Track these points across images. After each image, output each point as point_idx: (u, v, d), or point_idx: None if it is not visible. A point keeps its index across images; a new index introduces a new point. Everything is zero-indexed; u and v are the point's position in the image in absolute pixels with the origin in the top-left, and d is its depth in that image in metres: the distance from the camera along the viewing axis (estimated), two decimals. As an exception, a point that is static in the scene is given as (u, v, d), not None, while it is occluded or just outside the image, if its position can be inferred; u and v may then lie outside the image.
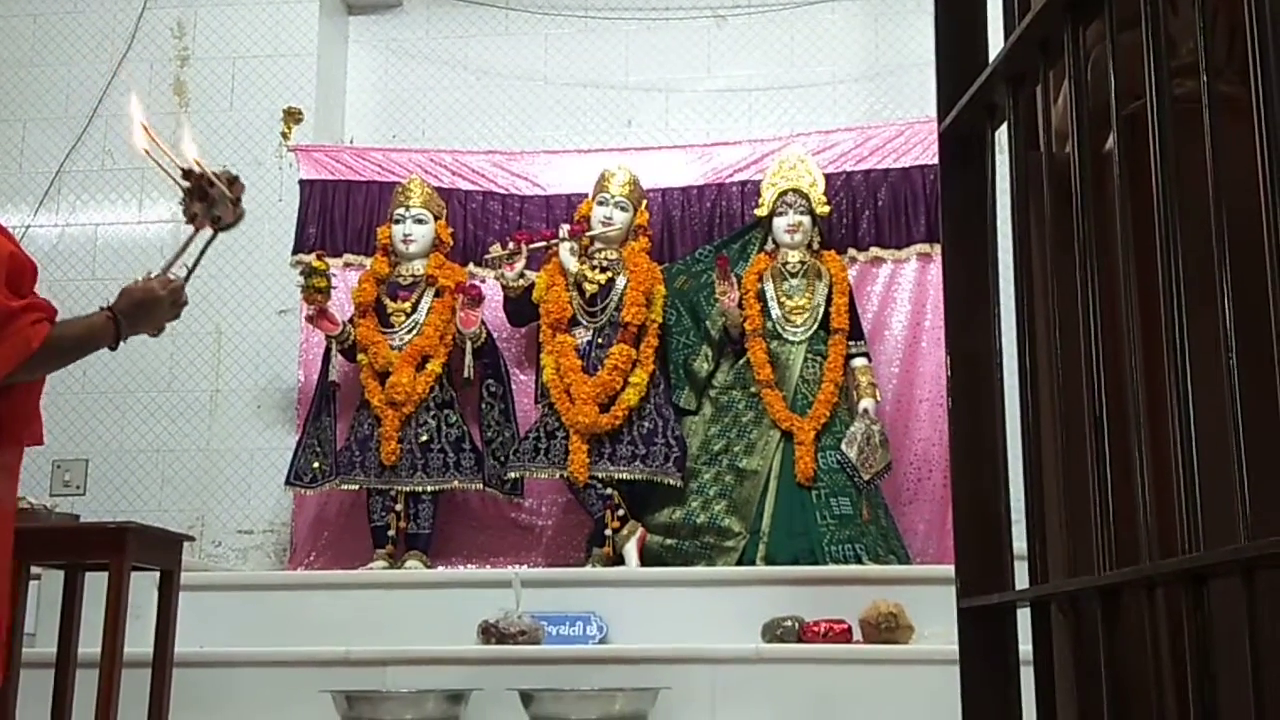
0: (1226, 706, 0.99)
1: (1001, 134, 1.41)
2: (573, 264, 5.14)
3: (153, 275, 2.58)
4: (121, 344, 2.53)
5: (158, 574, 3.86)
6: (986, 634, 1.35)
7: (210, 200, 2.65)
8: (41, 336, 2.38)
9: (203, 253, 2.66)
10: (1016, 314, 1.27)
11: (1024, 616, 1.34)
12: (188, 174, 2.68)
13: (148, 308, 2.51)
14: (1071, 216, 1.20)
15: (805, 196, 5.15)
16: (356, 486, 5.11)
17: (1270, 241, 0.93)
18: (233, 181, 2.72)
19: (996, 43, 1.37)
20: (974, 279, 1.36)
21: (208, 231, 2.68)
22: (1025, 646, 1.32)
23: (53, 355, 2.42)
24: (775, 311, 5.08)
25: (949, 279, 1.40)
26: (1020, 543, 1.30)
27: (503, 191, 5.61)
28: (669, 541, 4.93)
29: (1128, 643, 1.12)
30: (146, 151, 2.70)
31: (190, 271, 2.63)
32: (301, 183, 5.59)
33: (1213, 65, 1.07)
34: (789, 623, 4.15)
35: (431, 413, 5.10)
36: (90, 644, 3.63)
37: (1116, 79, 1.18)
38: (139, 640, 3.80)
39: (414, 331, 5.15)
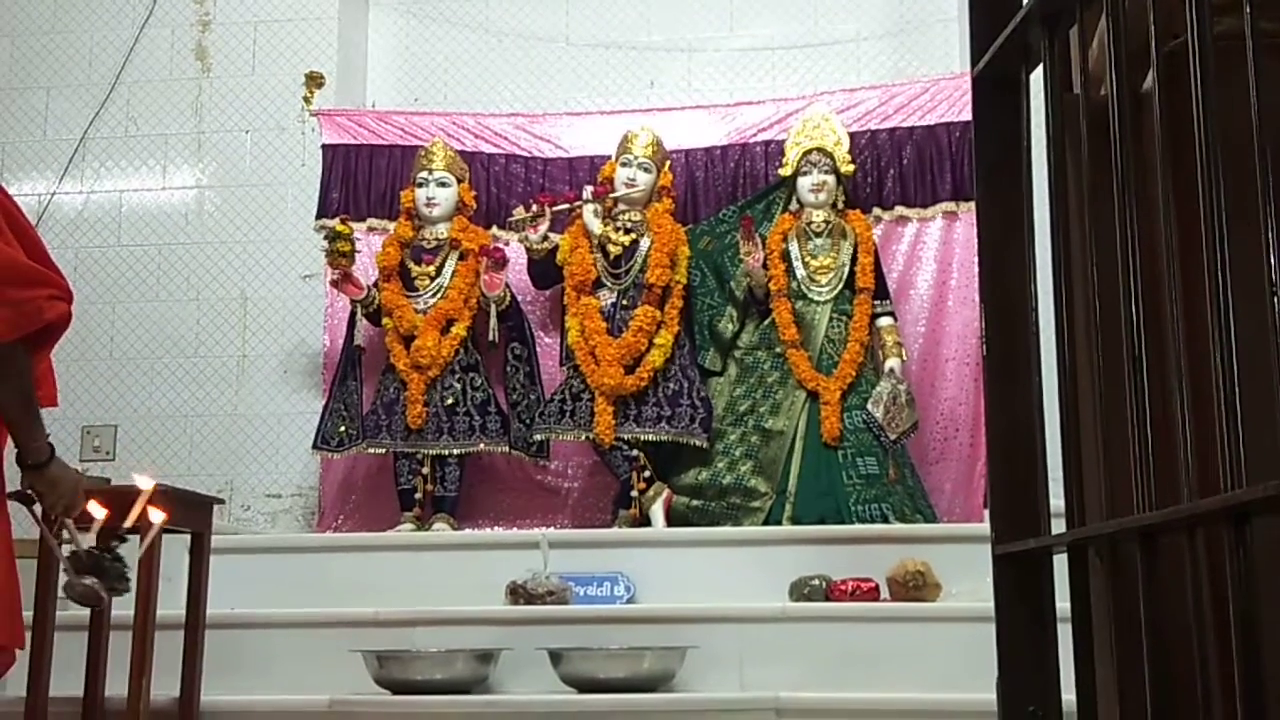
0: (1270, 649, 0.98)
1: (1036, 77, 1.40)
2: (596, 226, 5.13)
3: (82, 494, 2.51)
4: (26, 464, 2.42)
5: (189, 537, 3.90)
6: (1022, 582, 1.35)
7: (102, 569, 2.48)
8: (57, 313, 2.31)
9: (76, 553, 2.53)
10: (1053, 257, 1.26)
11: (1060, 565, 1.33)
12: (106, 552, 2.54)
13: (56, 486, 2.45)
14: (1108, 158, 1.19)
15: (830, 155, 5.11)
16: (383, 450, 5.13)
17: (1315, 177, 0.92)
18: (122, 580, 2.56)
19: (1031, -16, 1.35)
20: (1009, 223, 1.34)
21: (86, 544, 2.53)
22: (1062, 604, 1.31)
23: (16, 372, 2.31)
24: (800, 271, 5.06)
25: (983, 224, 1.38)
26: (1056, 500, 1.29)
27: (525, 154, 5.59)
28: (695, 502, 4.94)
29: (1167, 587, 1.11)
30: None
31: (66, 544, 2.54)
32: (324, 147, 5.58)
33: (1255, 1, 1.05)
34: (816, 581, 4.16)
35: (457, 376, 5.11)
36: (123, 606, 3.67)
37: (1155, 17, 1.16)
38: (171, 602, 3.84)
39: (438, 295, 5.15)
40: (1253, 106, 1.00)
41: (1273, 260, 0.95)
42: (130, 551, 2.62)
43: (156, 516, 2.79)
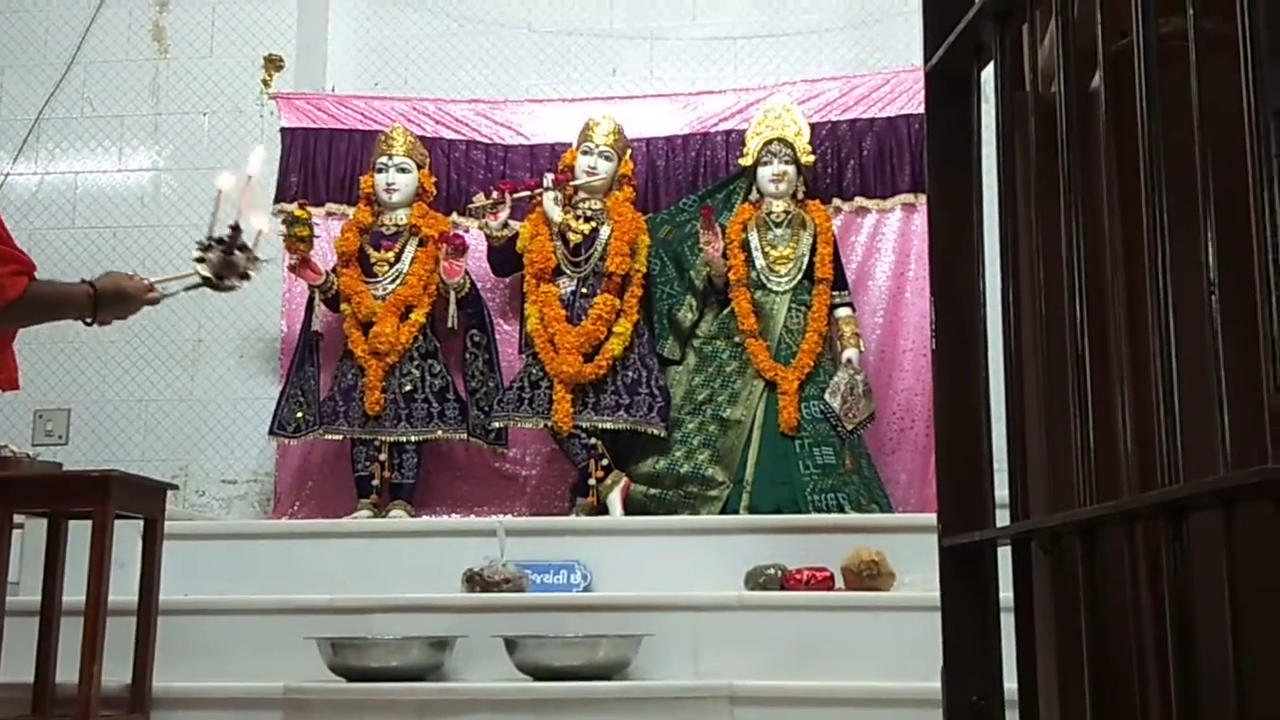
0: (1204, 640, 1.00)
1: (987, 75, 1.41)
2: (557, 214, 5.12)
3: (142, 278, 2.73)
4: (94, 323, 2.63)
5: (141, 522, 3.87)
6: (968, 573, 1.36)
7: (229, 260, 2.81)
8: (20, 289, 2.41)
9: (186, 289, 2.90)
10: (1001, 253, 1.27)
11: (1005, 557, 1.35)
12: (235, 228, 2.88)
13: (125, 300, 2.66)
14: (1057, 155, 1.20)
15: (790, 146, 5.13)
16: (340, 436, 5.10)
17: (1253, 178, 0.93)
18: (255, 260, 2.93)
19: (983, -19, 1.37)
20: (959, 219, 1.36)
21: (195, 277, 2.88)
22: (1006, 594, 1.33)
23: (26, 311, 2.47)
24: (759, 261, 5.08)
25: (934, 219, 1.40)
26: (1002, 490, 1.31)
27: (486, 140, 5.57)
28: (653, 491, 4.95)
29: (1107, 578, 1.13)
30: (220, 192, 2.89)
31: (167, 295, 2.83)
32: (283, 131, 5.54)
33: (1198, 2, 1.07)
34: (772, 570, 4.18)
35: (415, 363, 5.09)
36: (74, 592, 3.64)
37: (1103, 17, 1.17)
38: (123, 588, 3.81)
39: (397, 281, 5.13)
40: (1194, 106, 1.02)
41: (1211, 259, 0.96)
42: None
43: (259, 221, 3.04)
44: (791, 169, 5.12)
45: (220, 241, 2.85)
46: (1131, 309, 1.08)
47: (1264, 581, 0.90)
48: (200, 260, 2.87)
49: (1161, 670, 1.04)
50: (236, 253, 2.86)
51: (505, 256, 5.20)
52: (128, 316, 2.75)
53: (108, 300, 2.63)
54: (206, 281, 2.87)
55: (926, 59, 1.43)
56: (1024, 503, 1.24)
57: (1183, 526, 0.98)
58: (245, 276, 2.91)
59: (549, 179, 5.18)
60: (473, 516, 5.18)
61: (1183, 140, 1.05)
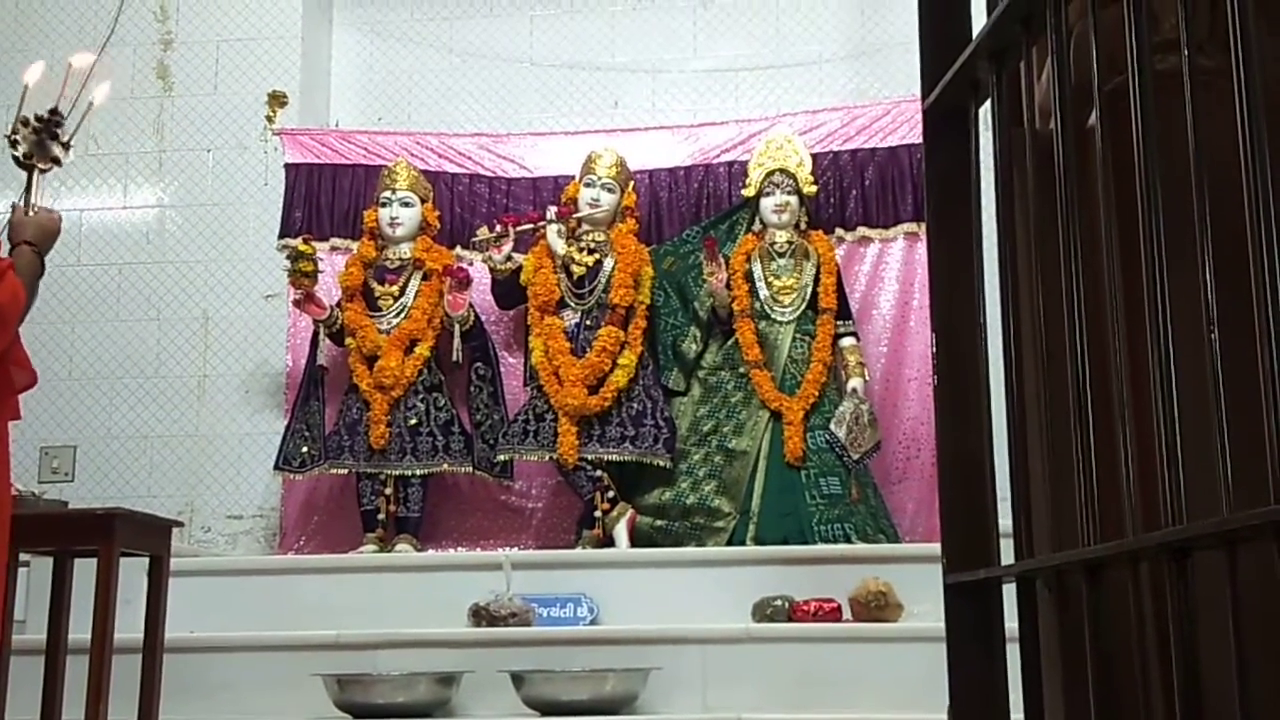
0: (1210, 678, 1.00)
1: (985, 111, 1.41)
2: (560, 246, 5.13)
3: (31, 207, 2.92)
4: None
5: (147, 560, 3.86)
6: (973, 610, 1.36)
7: (42, 142, 3.03)
8: (24, 289, 2.65)
9: (32, 187, 3.02)
10: (1000, 289, 1.27)
11: (1010, 593, 1.34)
12: (54, 111, 3.03)
13: (53, 235, 2.89)
14: (1055, 192, 1.21)
15: (792, 176, 5.14)
16: (346, 470, 5.10)
17: (1251, 215, 0.93)
18: (67, 142, 3.10)
19: (980, 19, 1.37)
20: (958, 255, 1.36)
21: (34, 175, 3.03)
22: (1012, 624, 1.33)
23: (29, 303, 2.70)
24: (763, 292, 5.08)
25: (934, 255, 1.40)
26: (1006, 520, 1.30)
27: (489, 174, 5.59)
28: (659, 523, 4.94)
29: (1113, 616, 1.12)
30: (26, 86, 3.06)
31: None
32: (287, 166, 5.56)
33: (1194, 40, 1.07)
34: (779, 602, 4.16)
35: (420, 396, 5.09)
36: (80, 630, 3.63)
37: (1099, 55, 1.18)
38: (129, 626, 3.80)
39: (402, 315, 5.14)
40: (1190, 142, 1.02)
41: (1210, 296, 0.96)
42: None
43: (100, 94, 3.23)
44: (794, 199, 5.14)
45: (37, 131, 3.00)
46: (1132, 345, 1.07)
47: (1268, 621, 0.89)
48: (28, 155, 3.01)
49: (1167, 709, 1.03)
50: (58, 132, 3.03)
51: (509, 289, 5.21)
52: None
53: (44, 243, 2.84)
54: (34, 170, 3.03)
55: (924, 97, 1.43)
56: (1028, 540, 1.24)
57: (1187, 566, 0.97)
58: (66, 148, 3.08)
59: (552, 212, 5.19)
60: (478, 550, 5.17)
61: (1180, 176, 1.05)
